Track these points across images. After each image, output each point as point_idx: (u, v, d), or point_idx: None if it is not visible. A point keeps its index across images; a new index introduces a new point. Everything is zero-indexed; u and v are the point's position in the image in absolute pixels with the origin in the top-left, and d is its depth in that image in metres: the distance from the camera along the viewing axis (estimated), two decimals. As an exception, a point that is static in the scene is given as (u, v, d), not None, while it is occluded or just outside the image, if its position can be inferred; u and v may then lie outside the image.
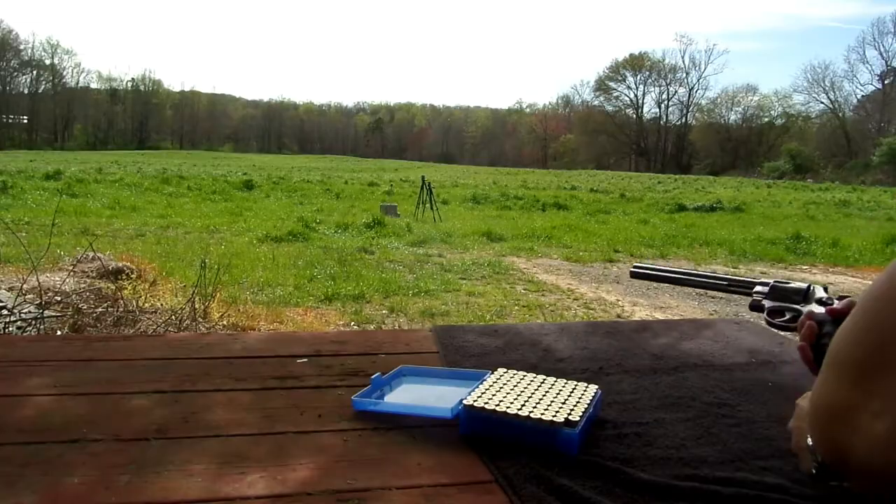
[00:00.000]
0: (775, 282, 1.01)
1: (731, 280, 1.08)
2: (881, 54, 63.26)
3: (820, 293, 0.92)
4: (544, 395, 0.83)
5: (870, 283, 0.43)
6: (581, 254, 8.91)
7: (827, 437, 0.45)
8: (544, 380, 0.89)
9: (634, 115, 79.52)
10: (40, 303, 3.78)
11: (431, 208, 12.96)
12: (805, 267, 8.66)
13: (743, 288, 1.04)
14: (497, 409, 0.77)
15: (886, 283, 0.39)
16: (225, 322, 4.21)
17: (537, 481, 0.67)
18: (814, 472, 0.53)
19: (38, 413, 0.80)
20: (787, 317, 0.95)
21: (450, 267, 7.41)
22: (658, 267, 1.17)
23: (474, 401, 0.79)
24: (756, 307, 1.01)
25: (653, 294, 6.36)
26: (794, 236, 10.85)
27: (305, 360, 1.04)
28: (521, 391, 0.84)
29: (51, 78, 77.40)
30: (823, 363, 0.47)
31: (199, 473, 0.66)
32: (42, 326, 3.45)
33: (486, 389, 0.83)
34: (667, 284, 1.30)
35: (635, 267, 1.18)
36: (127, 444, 0.72)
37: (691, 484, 0.68)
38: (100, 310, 3.99)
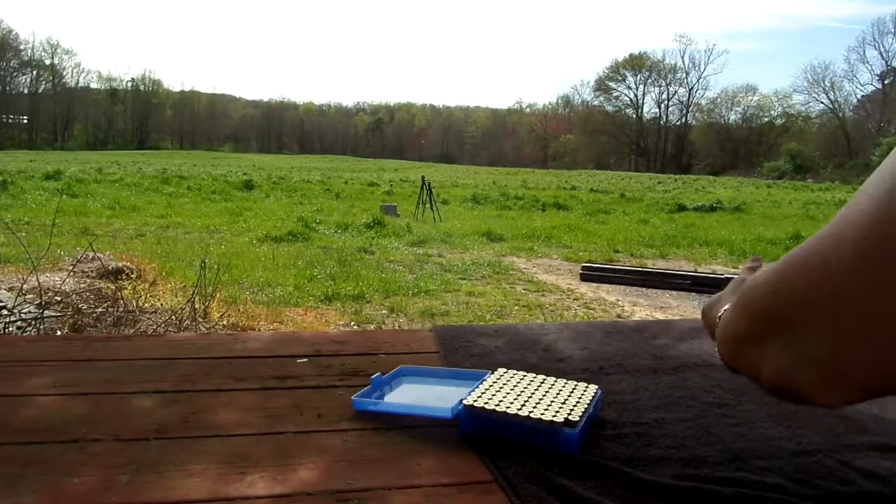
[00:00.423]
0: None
1: (695, 277, 0.96)
2: (881, 54, 63.35)
3: None
4: (544, 395, 0.83)
5: None
6: (581, 254, 8.91)
7: (743, 362, 0.51)
8: (544, 380, 0.89)
9: (634, 115, 79.56)
10: (40, 303, 3.78)
11: (431, 208, 12.96)
12: (805, 267, 8.66)
13: (709, 286, 0.91)
14: (497, 409, 0.77)
15: (818, 260, 0.41)
16: (225, 322, 4.21)
17: (537, 481, 0.67)
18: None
19: (37, 413, 0.80)
20: None
21: (450, 267, 7.41)
22: (610, 266, 1.05)
23: (474, 401, 0.79)
24: None
25: (653, 294, 6.36)
26: (794, 236, 10.87)
27: (305, 360, 1.04)
28: (521, 391, 0.84)
29: (51, 78, 77.44)
30: (737, 301, 0.52)
31: (199, 474, 0.66)
32: (42, 326, 3.46)
33: (486, 389, 0.83)
34: (621, 286, 1.10)
35: (585, 268, 1.05)
36: (127, 444, 0.72)
37: (691, 484, 0.68)
38: (100, 310, 3.99)
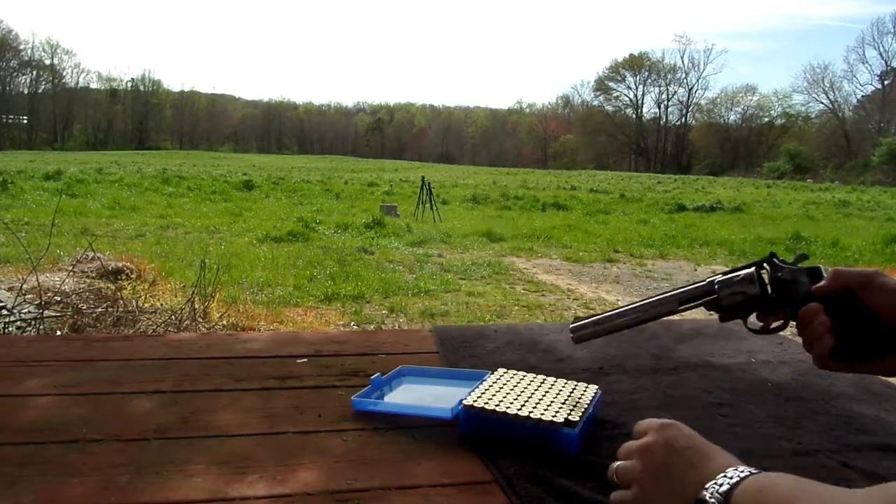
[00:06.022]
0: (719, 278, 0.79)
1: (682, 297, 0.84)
2: (881, 54, 63.26)
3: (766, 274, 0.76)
4: (544, 395, 0.83)
5: None
6: (581, 254, 8.91)
7: None
8: (544, 380, 0.89)
9: (634, 115, 79.51)
10: (40, 303, 3.78)
11: (431, 208, 12.95)
12: (805, 267, 8.66)
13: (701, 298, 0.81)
14: (497, 409, 0.77)
15: None
16: (225, 322, 4.21)
17: (537, 481, 0.67)
18: None
19: (37, 413, 0.80)
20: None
21: (449, 267, 7.40)
22: (597, 317, 0.86)
23: (474, 401, 0.79)
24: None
25: (653, 294, 6.36)
26: (794, 236, 10.86)
27: (305, 360, 1.04)
28: (521, 391, 0.84)
29: (51, 78, 77.36)
30: None
31: (198, 474, 0.66)
32: (42, 326, 3.45)
33: (486, 389, 0.83)
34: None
35: (573, 329, 0.86)
36: (127, 445, 0.72)
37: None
38: (100, 310, 3.99)
